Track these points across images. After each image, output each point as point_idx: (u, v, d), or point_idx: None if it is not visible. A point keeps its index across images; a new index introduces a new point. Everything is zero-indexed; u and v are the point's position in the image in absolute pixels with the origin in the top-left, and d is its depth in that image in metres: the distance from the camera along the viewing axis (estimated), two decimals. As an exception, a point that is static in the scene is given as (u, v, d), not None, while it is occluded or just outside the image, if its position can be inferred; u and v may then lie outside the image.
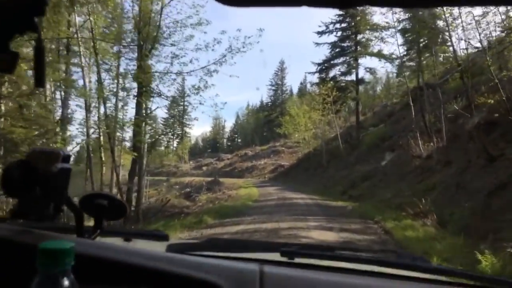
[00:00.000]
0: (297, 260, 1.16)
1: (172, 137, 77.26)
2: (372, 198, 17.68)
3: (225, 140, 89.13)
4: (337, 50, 33.42)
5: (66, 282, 0.57)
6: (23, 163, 0.85)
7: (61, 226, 1.17)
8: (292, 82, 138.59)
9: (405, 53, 46.68)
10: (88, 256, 0.79)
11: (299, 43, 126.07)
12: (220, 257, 1.10)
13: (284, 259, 1.15)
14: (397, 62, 43.35)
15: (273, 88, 74.83)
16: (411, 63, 48.78)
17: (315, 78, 34.71)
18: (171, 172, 60.40)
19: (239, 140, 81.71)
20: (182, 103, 77.53)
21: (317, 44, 33.90)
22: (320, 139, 36.03)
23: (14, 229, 0.88)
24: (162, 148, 78.23)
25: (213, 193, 28.37)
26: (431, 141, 18.89)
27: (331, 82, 32.81)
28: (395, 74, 63.84)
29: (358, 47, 32.53)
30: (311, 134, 36.59)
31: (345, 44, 32.84)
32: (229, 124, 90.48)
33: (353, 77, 33.83)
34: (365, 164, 25.33)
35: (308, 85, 60.41)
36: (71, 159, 0.96)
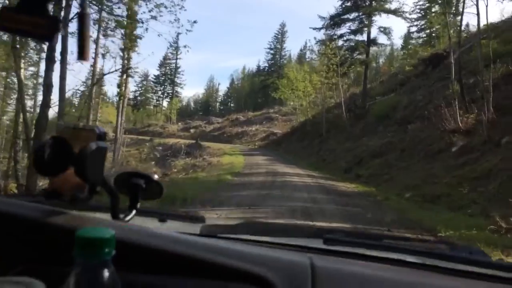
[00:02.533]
0: (341, 248, 1.06)
1: (162, 96, 72.46)
2: (390, 182, 13.12)
3: (218, 104, 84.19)
4: (349, 3, 28.09)
5: (106, 274, 0.52)
6: (56, 140, 0.78)
7: (95, 206, 1.11)
8: (292, 48, 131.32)
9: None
10: (122, 241, 0.70)
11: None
12: (259, 242, 1.05)
13: (328, 247, 1.05)
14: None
15: (271, 52, 69.37)
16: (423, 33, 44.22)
17: (320, 35, 29.39)
18: (157, 132, 55.82)
19: (232, 105, 76.82)
20: (174, 61, 73.12)
21: (326, -5, 28.49)
22: (319, 106, 31.26)
23: (47, 209, 0.82)
24: (151, 107, 73.85)
25: (193, 159, 23.86)
26: (470, 112, 14.20)
27: (339, 41, 27.88)
28: (400, 46, 60.08)
29: (373, 1, 27.31)
30: (310, 100, 31.74)
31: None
32: (223, 88, 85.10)
33: (364, 37, 28.73)
34: (374, 137, 20.71)
35: (308, 53, 55.11)
36: None
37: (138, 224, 0.90)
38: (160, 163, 25.52)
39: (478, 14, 15.11)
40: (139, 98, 76.07)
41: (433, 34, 41.42)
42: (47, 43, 9.34)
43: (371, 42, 28.62)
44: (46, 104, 9.74)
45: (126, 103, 76.82)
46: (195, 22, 12.95)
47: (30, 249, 0.76)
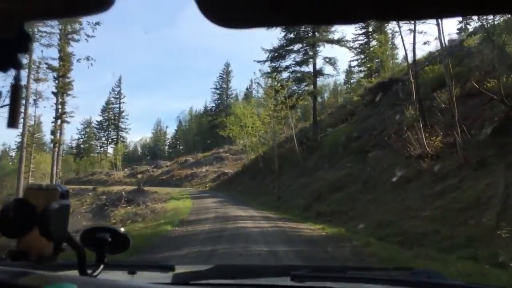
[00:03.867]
0: (308, 283, 1.06)
1: (106, 142, 68.60)
2: (359, 219, 11.20)
3: (166, 147, 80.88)
4: (292, 34, 26.99)
5: None
6: (20, 202, 0.79)
7: (62, 264, 1.10)
8: (238, 87, 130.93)
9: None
10: None
11: (246, 38, 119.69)
12: (226, 285, 1.06)
13: (295, 283, 1.05)
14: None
15: (218, 92, 67.95)
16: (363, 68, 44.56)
17: (265, 68, 27.92)
18: (101, 180, 52.04)
19: (181, 147, 73.85)
20: (118, 105, 69.87)
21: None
22: (270, 142, 29.53)
23: (14, 271, 0.83)
24: (96, 154, 69.54)
25: (135, 207, 21.06)
26: (434, 135, 12.75)
27: (285, 73, 26.63)
28: (343, 81, 60.61)
29: (316, 32, 26.39)
30: (259, 135, 29.93)
31: (301, 29, 26.50)
32: (171, 131, 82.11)
33: (310, 68, 27.57)
34: (331, 169, 19.02)
35: (255, 86, 54.13)
36: None
37: (107, 278, 0.91)
38: (98, 214, 22.49)
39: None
40: (82, 146, 71.77)
41: (374, 68, 41.90)
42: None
43: (318, 72, 27.56)
44: None
45: (68, 152, 72.41)
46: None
47: None
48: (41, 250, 0.78)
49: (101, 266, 0.97)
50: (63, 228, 0.78)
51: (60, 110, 33.20)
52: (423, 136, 12.22)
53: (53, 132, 33.25)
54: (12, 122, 0.57)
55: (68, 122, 33.81)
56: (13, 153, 59.98)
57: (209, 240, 7.91)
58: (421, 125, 12.48)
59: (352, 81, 51.61)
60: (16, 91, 0.58)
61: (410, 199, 10.56)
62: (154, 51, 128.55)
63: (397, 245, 7.96)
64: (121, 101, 67.00)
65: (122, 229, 1.02)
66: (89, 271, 0.93)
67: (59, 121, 33.13)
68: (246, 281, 1.10)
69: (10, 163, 59.87)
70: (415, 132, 12.95)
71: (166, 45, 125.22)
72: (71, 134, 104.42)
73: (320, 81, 30.60)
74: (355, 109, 27.37)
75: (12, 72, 0.56)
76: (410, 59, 16.75)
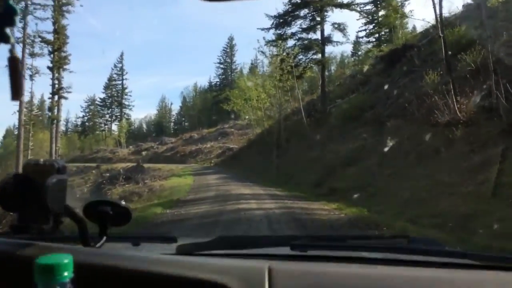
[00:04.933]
0: (309, 252, 1.09)
1: (110, 119, 67.13)
2: (380, 196, 9.54)
3: (172, 124, 79.32)
4: (298, -1, 24.79)
5: None
6: (18, 176, 0.82)
7: (66, 237, 1.10)
8: (243, 60, 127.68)
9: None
10: (94, 265, 0.77)
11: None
12: (229, 255, 1.08)
13: (295, 252, 1.07)
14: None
15: (222, 67, 65.80)
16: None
17: (270, 36, 25.75)
18: (106, 158, 50.88)
19: (186, 124, 72.22)
20: (120, 82, 68.06)
21: (273, -8, 25.16)
22: (276, 115, 27.80)
23: (15, 243, 0.86)
24: (99, 132, 68.15)
25: (134, 184, 19.60)
26: (462, 99, 10.96)
27: (291, 40, 24.63)
28: (350, 53, 58.17)
29: (324, -5, 24.19)
30: (265, 108, 28.16)
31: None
32: (176, 107, 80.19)
33: (318, 35, 25.44)
34: (342, 142, 17.28)
35: (260, 60, 51.87)
36: None
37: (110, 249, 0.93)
38: (96, 192, 21.05)
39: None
40: (86, 124, 70.44)
41: (383, 37, 39.71)
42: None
43: (326, 40, 25.39)
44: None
45: (74, 130, 71.06)
46: None
47: (2, 280, 0.78)
48: (41, 223, 0.79)
49: (104, 238, 0.99)
50: (61, 201, 0.80)
51: (56, 86, 31.55)
52: (454, 100, 10.41)
53: (50, 109, 31.72)
54: (15, 94, 0.59)
55: (65, 98, 32.22)
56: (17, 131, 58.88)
57: (200, 229, 6.28)
58: (451, 87, 10.63)
59: (360, 52, 49.40)
60: (13, 63, 0.58)
61: (442, 172, 8.86)
62: (157, 28, 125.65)
63: (434, 230, 6.32)
64: (124, 77, 65.21)
65: (123, 202, 1.04)
66: (92, 244, 0.94)
67: (56, 97, 31.54)
68: (248, 251, 1.10)
69: (15, 141, 58.82)
70: (442, 97, 11.16)
71: (169, 22, 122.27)
72: (75, 112, 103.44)
73: (328, 50, 28.55)
74: (366, 79, 25.51)
75: (6, 46, 0.56)
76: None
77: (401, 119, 13.67)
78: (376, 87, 21.96)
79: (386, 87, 20.32)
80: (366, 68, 27.48)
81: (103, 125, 67.99)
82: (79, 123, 72.67)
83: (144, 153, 50.86)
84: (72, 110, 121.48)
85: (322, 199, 10.71)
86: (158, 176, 21.05)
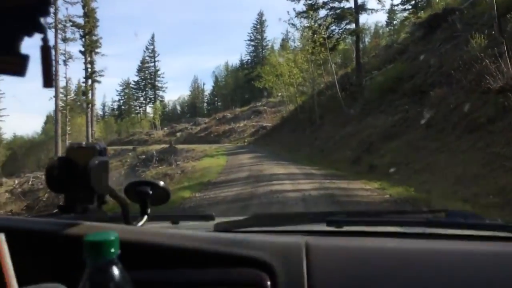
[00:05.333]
0: (345, 228, 1.07)
1: (144, 102, 67.67)
2: (427, 173, 8.66)
3: (205, 104, 79.29)
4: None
5: (115, 271, 0.57)
6: (63, 160, 0.85)
7: (109, 216, 1.12)
8: (274, 36, 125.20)
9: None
10: (137, 243, 0.80)
11: None
12: (265, 232, 1.08)
13: (331, 228, 1.06)
14: None
15: (253, 44, 64.60)
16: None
17: (300, 7, 24.44)
18: (142, 140, 51.24)
19: (219, 103, 71.91)
20: (153, 64, 68.22)
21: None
22: (309, 90, 26.82)
23: (63, 223, 0.89)
24: (135, 115, 68.94)
25: (167, 166, 19.33)
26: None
27: (322, 10, 23.34)
28: (384, 23, 55.59)
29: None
30: (297, 84, 27.18)
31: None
32: (209, 87, 79.96)
33: (351, 3, 23.99)
34: (380, 115, 16.28)
35: (291, 33, 50.37)
36: None
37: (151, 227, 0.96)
38: (130, 175, 20.96)
39: None
40: (122, 107, 71.36)
41: (419, 5, 37.58)
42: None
43: (360, 7, 23.94)
44: None
45: (111, 114, 72.18)
46: None
47: (52, 258, 0.82)
48: (86, 203, 0.83)
49: (145, 217, 1.02)
50: (104, 181, 0.83)
51: (89, 70, 31.66)
52: (508, 63, 9.24)
53: (84, 93, 31.92)
54: (47, 82, 0.61)
55: (98, 82, 32.35)
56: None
57: (228, 215, 5.71)
58: (504, 49, 9.45)
59: (395, 22, 47.06)
60: (45, 52, 0.60)
61: (498, 144, 7.86)
62: (187, 9, 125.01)
63: (495, 210, 5.47)
64: (156, 59, 65.26)
65: (162, 183, 1.06)
66: (134, 223, 0.98)
67: (89, 81, 31.68)
68: (284, 228, 1.11)
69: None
70: (493, 60, 9.98)
71: (198, 1, 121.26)
72: (111, 96, 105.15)
73: (362, 20, 27.01)
74: (403, 48, 24.02)
75: (38, 35, 0.58)
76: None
77: (446, 88, 12.52)
78: (415, 55, 20.59)
79: (425, 55, 18.99)
80: (402, 36, 25.86)
81: (138, 107, 68.73)
82: (115, 106, 73.80)
83: (178, 134, 51.03)
84: (108, 94, 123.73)
85: (361, 177, 9.90)
86: (191, 157, 20.70)
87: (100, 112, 77.44)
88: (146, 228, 0.97)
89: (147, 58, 65.25)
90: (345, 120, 19.62)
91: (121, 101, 71.59)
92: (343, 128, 18.48)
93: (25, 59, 0.59)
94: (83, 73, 32.81)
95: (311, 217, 1.30)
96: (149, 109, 66.13)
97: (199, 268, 0.76)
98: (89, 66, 31.31)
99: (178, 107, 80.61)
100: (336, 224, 1.05)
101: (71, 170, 0.83)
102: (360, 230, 1.07)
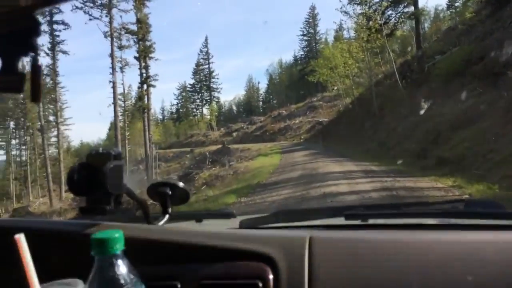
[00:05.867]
0: (363, 221, 1.06)
1: (200, 104, 68.39)
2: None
3: (260, 103, 78.93)
4: None
5: (119, 264, 0.61)
6: (83, 165, 0.90)
7: (132, 217, 1.17)
8: (328, 28, 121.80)
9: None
10: (157, 241, 0.84)
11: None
12: (285, 227, 1.09)
13: (349, 222, 1.05)
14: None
15: (306, 38, 63.18)
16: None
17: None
18: (199, 142, 51.70)
19: (275, 101, 71.18)
20: (207, 66, 68.76)
21: None
22: (366, 80, 25.27)
23: (83, 223, 0.94)
24: (192, 117, 69.93)
25: (221, 167, 18.81)
26: None
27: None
28: (445, 6, 51.92)
29: None
30: (353, 74, 25.71)
31: None
32: (263, 86, 79.47)
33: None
34: (447, 103, 14.67)
35: (345, 22, 48.41)
36: None
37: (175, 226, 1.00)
38: (184, 178, 20.68)
39: None
40: (180, 110, 72.70)
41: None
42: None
43: (418, -11, 22.07)
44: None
45: (170, 117, 73.81)
46: None
47: (71, 256, 0.85)
48: (103, 204, 0.87)
49: (166, 216, 1.05)
50: (119, 183, 0.87)
51: (144, 75, 31.89)
52: None
53: (140, 98, 32.18)
54: (35, 97, 0.64)
55: (153, 86, 32.41)
56: (120, 124, 62.21)
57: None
58: None
59: (457, 3, 43.75)
60: (35, 70, 0.63)
61: None
62: (239, 10, 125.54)
63: None
64: (210, 61, 65.76)
65: (181, 184, 1.09)
66: (155, 222, 1.00)
67: (145, 86, 31.91)
68: (305, 223, 1.11)
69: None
70: None
71: (250, 2, 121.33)
72: (170, 100, 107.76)
73: (421, 2, 24.95)
74: (469, 29, 21.83)
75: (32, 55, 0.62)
76: None
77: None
78: (483, 35, 18.53)
79: (495, 34, 16.98)
80: (468, 16, 23.57)
81: (195, 110, 69.69)
82: (173, 110, 75.42)
83: (234, 134, 50.97)
84: (167, 98, 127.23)
85: (429, 173, 8.59)
86: (245, 157, 20.05)
87: (160, 116, 79.66)
88: (169, 226, 0.98)
89: (201, 60, 65.96)
90: (407, 110, 18.01)
91: (179, 104, 73.01)
92: (406, 119, 16.93)
93: (22, 77, 0.63)
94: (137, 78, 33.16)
95: (330, 212, 1.26)
96: (205, 111, 66.89)
97: (206, 263, 0.78)
98: (144, 71, 31.52)
99: (234, 107, 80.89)
100: (354, 218, 1.04)
101: (90, 174, 0.86)
102: (378, 223, 1.05)
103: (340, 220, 1.04)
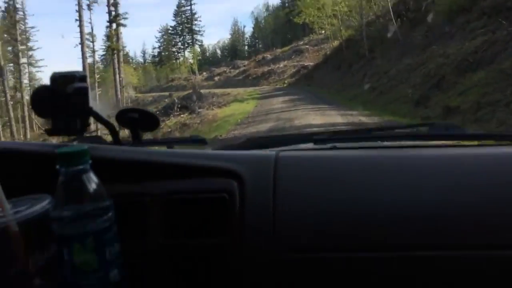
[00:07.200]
0: (332, 145, 1.04)
1: (182, 47, 64.76)
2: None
3: (245, 47, 75.39)
4: None
5: (85, 177, 0.60)
6: (46, 87, 0.88)
7: (99, 141, 1.13)
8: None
9: None
10: (123, 160, 0.82)
11: None
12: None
13: (318, 146, 1.04)
14: None
15: (294, -22, 58.83)
16: None
17: None
18: (180, 86, 48.86)
19: (260, 45, 67.80)
20: (189, 7, 64.35)
21: None
22: (355, 25, 22.70)
23: (51, 144, 0.90)
24: (173, 61, 66.39)
25: (190, 114, 16.55)
26: None
27: None
28: None
29: None
30: (342, 13, 23.08)
31: None
32: (249, 30, 75.67)
33: None
34: (451, 41, 12.39)
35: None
36: None
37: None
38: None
39: None
40: (162, 54, 69.00)
41: None
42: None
43: None
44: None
45: (152, 61, 69.96)
46: None
47: (40, 175, 0.79)
48: (70, 126, 0.86)
49: (137, 141, 1.04)
50: (84, 105, 0.86)
51: (113, 13, 28.63)
52: None
53: (109, 38, 29.07)
54: None
55: (124, 25, 29.35)
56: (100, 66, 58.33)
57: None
58: None
59: None
60: None
61: None
62: None
63: None
64: (192, 2, 61.35)
65: (150, 110, 1.09)
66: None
67: (114, 26, 28.73)
68: (274, 149, 1.03)
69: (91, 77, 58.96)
70: None
71: None
72: (152, 43, 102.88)
73: None
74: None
75: None
76: None
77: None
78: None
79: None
80: None
81: (177, 53, 66.08)
82: (155, 53, 71.74)
83: (216, 78, 48.28)
84: (149, 42, 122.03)
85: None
86: (218, 103, 17.74)
87: (141, 60, 75.72)
88: (141, 147, 0.96)
89: (183, 1, 61.53)
90: (403, 51, 15.68)
91: (161, 48, 69.27)
92: (400, 61, 14.66)
93: None
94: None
95: (300, 138, 1.28)
96: (188, 55, 63.36)
97: (175, 179, 0.78)
98: (112, 9, 28.16)
99: (219, 51, 77.32)
100: (323, 142, 1.04)
101: (53, 96, 0.85)
102: (346, 147, 1.03)
103: (310, 146, 1.04)
